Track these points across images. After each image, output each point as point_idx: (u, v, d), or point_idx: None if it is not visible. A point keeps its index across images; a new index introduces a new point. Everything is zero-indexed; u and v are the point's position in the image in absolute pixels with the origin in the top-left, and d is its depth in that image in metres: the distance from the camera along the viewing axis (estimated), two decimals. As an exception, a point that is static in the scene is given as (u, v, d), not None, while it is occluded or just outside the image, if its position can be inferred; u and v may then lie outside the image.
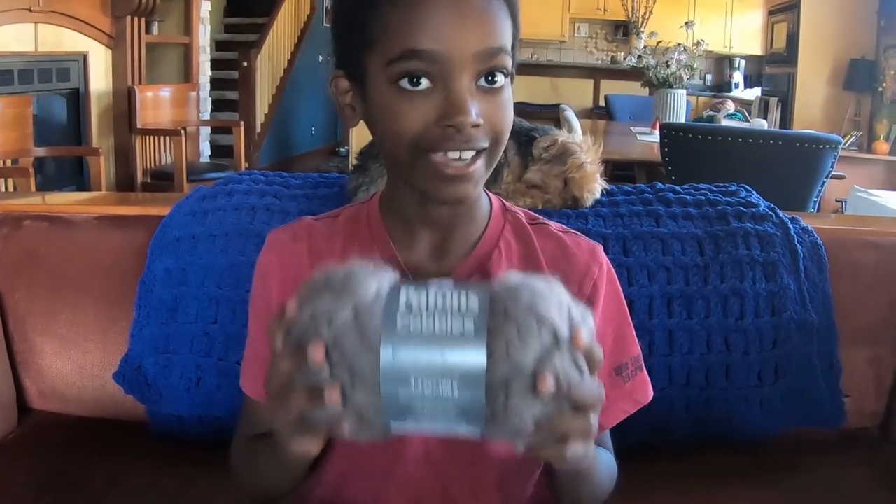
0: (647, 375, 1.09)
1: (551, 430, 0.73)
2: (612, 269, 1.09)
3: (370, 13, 0.90)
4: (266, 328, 0.77)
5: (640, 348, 1.09)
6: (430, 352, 0.71)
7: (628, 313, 1.09)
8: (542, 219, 1.10)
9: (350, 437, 0.74)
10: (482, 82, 0.90)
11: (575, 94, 10.82)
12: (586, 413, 0.74)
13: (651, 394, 1.09)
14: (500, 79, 0.91)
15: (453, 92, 0.87)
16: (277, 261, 1.06)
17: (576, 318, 0.75)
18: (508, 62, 0.91)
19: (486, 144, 0.91)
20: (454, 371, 0.71)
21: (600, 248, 1.08)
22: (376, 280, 0.75)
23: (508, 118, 0.94)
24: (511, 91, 0.95)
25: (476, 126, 0.88)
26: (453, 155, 0.90)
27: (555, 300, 0.74)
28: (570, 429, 0.74)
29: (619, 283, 1.09)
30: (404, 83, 0.88)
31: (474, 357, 0.71)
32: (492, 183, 1.68)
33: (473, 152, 0.90)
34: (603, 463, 1.02)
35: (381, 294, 0.73)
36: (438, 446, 1.00)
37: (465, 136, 0.88)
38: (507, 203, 1.11)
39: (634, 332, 1.09)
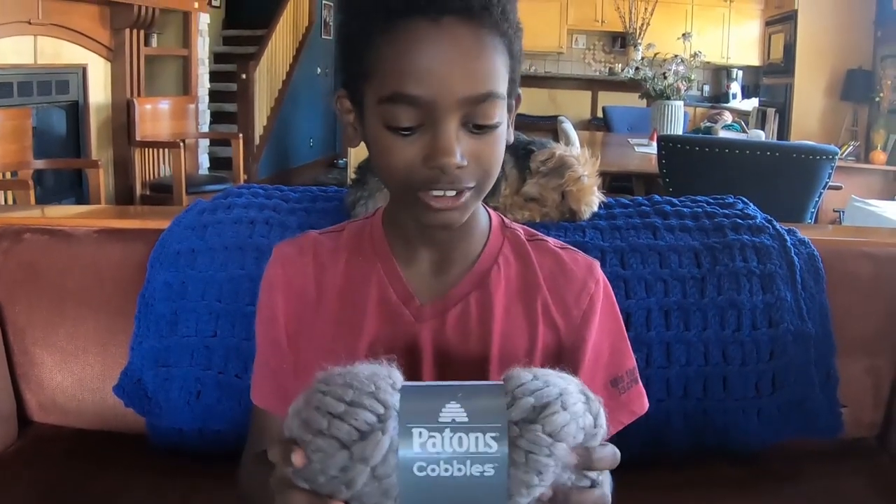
0: (642, 387, 1.11)
1: None
2: (609, 285, 1.10)
3: (367, 46, 0.91)
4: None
5: (635, 361, 1.10)
6: (450, 499, 0.71)
7: (624, 327, 1.10)
8: (540, 235, 1.12)
9: None
10: (471, 127, 0.90)
11: (573, 106, 10.85)
12: None
13: (647, 405, 1.11)
14: (491, 124, 0.91)
15: (439, 135, 0.88)
16: (283, 273, 1.07)
17: (588, 429, 0.76)
18: (498, 108, 0.92)
19: (471, 184, 0.92)
20: None
21: (597, 265, 1.10)
22: (384, 420, 0.72)
23: (497, 156, 0.94)
24: (505, 128, 0.96)
25: (461, 168, 0.89)
26: (438, 193, 0.91)
27: (572, 429, 0.74)
28: None
29: (615, 298, 1.11)
30: (392, 125, 0.89)
31: (496, 502, 0.71)
32: (489, 196, 1.69)
33: (459, 195, 0.91)
34: None
35: (393, 441, 0.71)
36: None
37: (450, 178, 0.89)
38: (506, 220, 1.12)
39: (630, 346, 1.10)
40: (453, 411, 0.73)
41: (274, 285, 1.07)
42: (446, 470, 0.70)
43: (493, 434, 0.72)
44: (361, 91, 0.94)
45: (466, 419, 0.72)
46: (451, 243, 1.04)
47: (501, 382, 0.77)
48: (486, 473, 0.71)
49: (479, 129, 0.90)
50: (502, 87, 0.92)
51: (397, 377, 0.75)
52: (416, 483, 0.70)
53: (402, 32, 0.88)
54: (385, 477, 0.70)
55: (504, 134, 0.95)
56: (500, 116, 0.92)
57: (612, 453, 0.77)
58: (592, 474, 0.77)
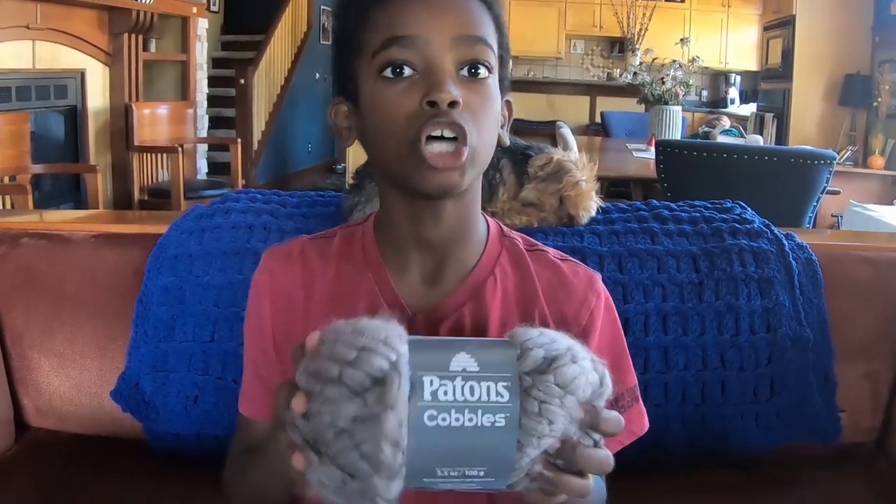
0: (643, 407, 1.09)
1: (551, 484, 0.75)
2: (610, 299, 1.08)
3: (360, 20, 0.94)
4: (291, 353, 0.76)
5: (636, 379, 1.08)
6: (460, 448, 0.70)
7: (625, 343, 1.08)
8: (540, 245, 1.10)
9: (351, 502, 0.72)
10: (464, 72, 0.92)
11: (571, 111, 10.87)
12: (585, 476, 0.77)
13: (647, 425, 1.09)
14: (483, 71, 0.93)
15: (432, 71, 0.90)
16: (271, 279, 1.06)
17: (595, 385, 0.76)
18: (490, 56, 0.94)
19: (467, 126, 0.90)
20: (484, 461, 0.71)
21: (598, 278, 1.08)
22: (395, 366, 0.70)
23: (490, 112, 0.95)
24: (497, 90, 0.97)
25: (455, 104, 0.89)
26: (437, 134, 0.89)
27: (581, 381, 0.74)
28: (566, 486, 0.76)
29: (616, 313, 1.09)
30: (388, 73, 0.91)
31: (505, 450, 0.71)
32: (487, 201, 1.70)
33: (455, 137, 0.89)
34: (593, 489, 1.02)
35: (404, 387, 0.69)
36: None
37: (446, 114, 0.89)
38: (504, 228, 1.10)
39: (631, 363, 1.08)
40: (464, 361, 0.72)
41: (261, 291, 1.06)
42: (457, 419, 0.69)
43: (505, 384, 0.71)
44: (355, 72, 0.95)
45: (477, 369, 0.72)
46: (446, 249, 1.01)
47: (507, 339, 0.77)
48: (497, 423, 0.70)
49: (472, 74, 0.92)
50: (492, 43, 0.95)
51: (402, 330, 0.74)
52: (427, 433, 0.69)
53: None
54: (390, 416, 0.68)
55: (496, 95, 0.96)
56: (490, 71, 0.94)
57: (616, 418, 0.77)
58: (596, 436, 0.76)
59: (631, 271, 1.64)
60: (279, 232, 1.68)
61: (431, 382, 0.70)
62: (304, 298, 1.04)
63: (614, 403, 1.05)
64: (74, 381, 1.73)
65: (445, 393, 0.70)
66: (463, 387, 0.70)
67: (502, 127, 1.02)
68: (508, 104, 1.04)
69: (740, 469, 1.65)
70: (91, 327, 1.73)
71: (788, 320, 1.63)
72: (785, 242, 1.72)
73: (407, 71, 0.90)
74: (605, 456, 0.77)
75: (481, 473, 0.71)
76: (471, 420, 0.69)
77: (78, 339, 1.72)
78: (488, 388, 0.71)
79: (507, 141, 1.02)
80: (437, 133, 0.89)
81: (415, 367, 0.71)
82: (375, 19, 0.92)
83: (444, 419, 0.69)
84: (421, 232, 0.99)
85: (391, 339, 0.71)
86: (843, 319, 1.70)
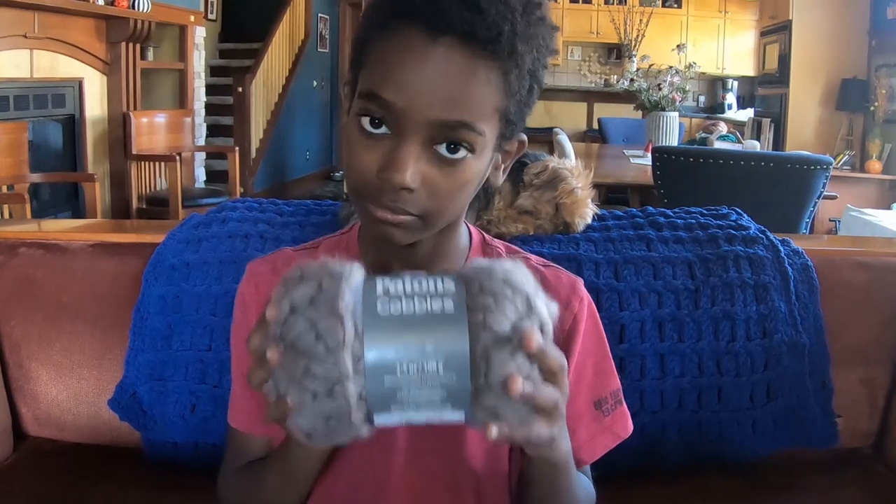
0: (627, 409, 1.10)
1: (524, 401, 0.75)
2: (593, 303, 1.09)
3: (365, 39, 0.91)
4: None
5: (619, 382, 1.09)
6: (413, 335, 0.72)
7: (608, 347, 1.09)
8: (523, 252, 1.11)
9: (334, 435, 0.75)
10: (442, 150, 0.87)
11: (568, 117, 10.87)
12: (554, 382, 0.77)
13: (631, 428, 1.09)
14: (462, 152, 0.88)
15: (397, 148, 0.86)
16: (256, 291, 1.07)
17: (540, 295, 0.78)
18: (473, 137, 0.87)
19: (414, 212, 0.89)
20: (439, 351, 0.72)
21: (581, 282, 1.08)
22: (351, 270, 0.75)
23: (456, 194, 0.91)
24: (482, 165, 0.92)
25: (408, 190, 0.87)
26: (380, 211, 0.89)
27: (521, 271, 0.77)
28: (540, 397, 0.76)
29: (599, 317, 1.09)
30: (364, 121, 0.88)
31: (457, 335, 0.72)
32: (483, 209, 1.71)
33: (400, 215, 0.89)
34: (580, 485, 1.02)
35: (358, 282, 0.75)
36: (420, 478, 1.02)
37: (395, 196, 0.87)
38: (487, 237, 1.10)
39: (614, 366, 1.09)
40: (412, 274, 0.77)
41: (247, 303, 1.07)
42: (408, 307, 0.73)
43: (451, 278, 0.76)
44: (356, 82, 0.93)
45: (424, 274, 0.76)
46: (427, 264, 1.00)
47: None
48: (445, 307, 0.73)
49: (444, 159, 0.88)
50: (483, 123, 0.88)
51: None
52: (380, 321, 0.72)
53: (397, 36, 0.86)
54: (345, 308, 0.72)
55: (474, 174, 0.91)
56: (471, 154, 0.89)
57: (560, 356, 0.78)
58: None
59: (627, 278, 1.64)
60: (276, 241, 1.68)
61: (383, 280, 0.75)
62: None
63: (598, 407, 1.06)
64: (72, 391, 1.73)
65: (395, 287, 0.74)
66: (412, 281, 0.75)
67: (502, 167, 1.01)
68: (521, 144, 1.01)
69: (737, 475, 1.65)
70: (89, 336, 1.73)
71: (784, 326, 1.64)
72: (781, 248, 1.72)
73: (382, 128, 0.87)
74: (562, 396, 0.78)
75: (440, 368, 0.72)
76: (420, 306, 0.73)
77: (76, 348, 1.72)
78: (435, 281, 0.75)
79: (499, 182, 1.00)
80: (382, 212, 0.89)
81: (367, 275, 0.77)
82: (373, 48, 0.89)
83: (395, 307, 0.73)
84: (400, 252, 0.98)
85: (345, 260, 0.77)
86: (840, 325, 1.71)
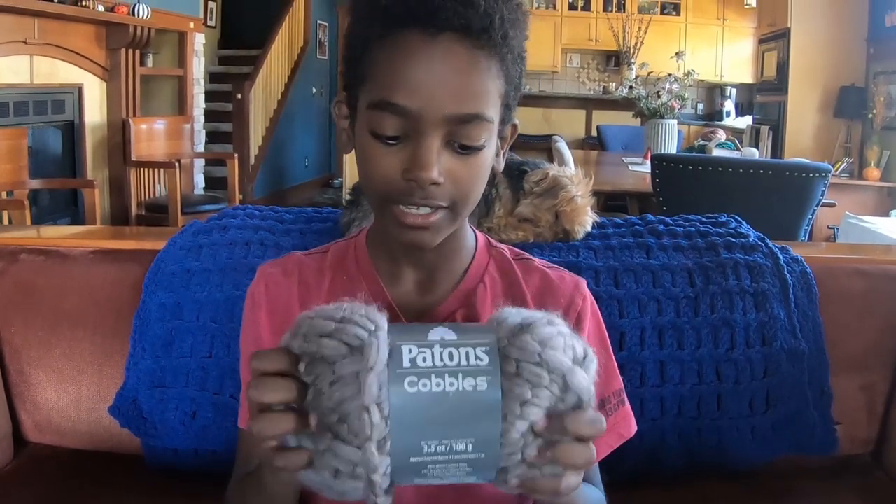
0: (630, 409, 1.10)
1: (554, 461, 0.73)
2: (595, 303, 1.10)
3: (364, 51, 0.92)
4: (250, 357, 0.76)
5: (622, 382, 1.10)
6: (444, 416, 0.69)
7: (610, 346, 1.10)
8: (526, 255, 1.12)
9: (347, 498, 0.73)
10: (456, 146, 0.90)
11: (567, 125, 10.89)
12: (587, 443, 0.74)
13: (634, 428, 1.10)
14: (477, 146, 0.91)
15: (419, 148, 0.88)
16: (267, 293, 1.07)
17: (578, 353, 0.75)
18: (486, 129, 0.91)
19: (444, 203, 0.92)
20: (469, 433, 0.69)
21: (584, 282, 1.10)
22: (378, 343, 0.70)
23: (478, 180, 0.94)
24: (493, 150, 0.96)
25: (437, 184, 0.89)
26: (411, 209, 0.91)
27: (560, 342, 0.73)
28: (572, 458, 0.73)
29: (601, 317, 1.11)
30: (379, 130, 0.89)
31: (490, 420, 0.69)
32: (483, 217, 1.71)
33: (430, 209, 0.91)
34: (587, 495, 1.02)
35: (384, 356, 0.69)
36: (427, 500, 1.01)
37: (425, 193, 0.90)
38: (492, 240, 1.13)
39: (617, 366, 1.10)
40: (441, 332, 0.73)
41: (258, 305, 1.08)
42: (438, 385, 0.69)
43: (484, 348, 0.71)
44: (356, 96, 0.94)
45: (455, 337, 0.72)
46: (436, 263, 1.04)
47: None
48: (479, 388, 0.69)
49: (463, 149, 0.90)
50: (492, 110, 0.91)
51: (382, 311, 0.75)
52: (409, 399, 0.68)
53: (397, 42, 0.88)
54: (372, 386, 0.68)
55: (488, 159, 0.95)
56: (486, 140, 0.92)
57: (598, 418, 0.74)
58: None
59: (626, 286, 1.65)
60: (276, 248, 1.68)
61: (410, 350, 0.70)
62: (300, 312, 1.04)
63: (601, 407, 1.06)
64: (73, 397, 1.73)
65: (424, 360, 0.70)
66: (441, 353, 0.70)
67: (501, 153, 1.03)
68: (514, 127, 1.04)
69: (737, 482, 1.65)
70: (89, 343, 1.73)
71: (784, 333, 1.64)
72: (780, 256, 1.73)
73: (396, 135, 0.89)
74: (598, 417, 0.75)
75: (469, 448, 0.69)
76: (452, 385, 0.69)
77: (76, 354, 1.72)
78: (467, 353, 0.71)
79: (500, 167, 1.02)
80: (413, 210, 0.91)
81: (393, 338, 0.71)
82: (376, 59, 0.90)
83: (424, 385, 0.69)
84: (411, 253, 1.02)
85: (370, 312, 0.73)
86: (839, 332, 1.71)
